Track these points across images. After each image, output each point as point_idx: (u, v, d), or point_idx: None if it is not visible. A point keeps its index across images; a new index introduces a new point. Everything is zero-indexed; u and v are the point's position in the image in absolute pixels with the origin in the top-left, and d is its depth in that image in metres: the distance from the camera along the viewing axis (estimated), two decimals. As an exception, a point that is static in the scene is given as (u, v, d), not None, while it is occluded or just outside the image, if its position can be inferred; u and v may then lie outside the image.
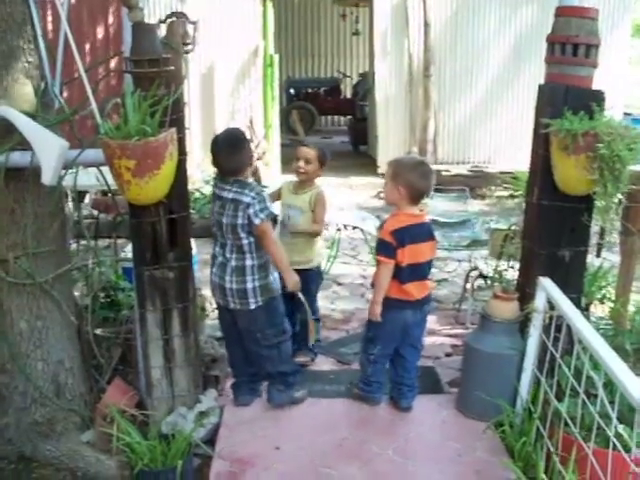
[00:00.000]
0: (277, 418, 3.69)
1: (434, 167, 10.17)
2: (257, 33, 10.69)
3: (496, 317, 3.49)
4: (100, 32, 10.30)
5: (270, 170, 10.89)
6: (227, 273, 3.59)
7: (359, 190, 10.88)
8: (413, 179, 3.48)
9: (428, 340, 4.91)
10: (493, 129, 10.78)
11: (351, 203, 9.92)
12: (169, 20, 3.67)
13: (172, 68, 3.29)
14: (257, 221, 3.49)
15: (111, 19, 10.45)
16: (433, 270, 6.45)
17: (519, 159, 9.89)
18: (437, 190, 7.73)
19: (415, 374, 3.83)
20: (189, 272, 3.57)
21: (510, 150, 10.45)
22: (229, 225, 3.53)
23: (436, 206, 7.50)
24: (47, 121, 3.39)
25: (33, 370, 3.63)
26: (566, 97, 3.28)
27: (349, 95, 17.04)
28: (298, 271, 3.79)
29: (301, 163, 4.24)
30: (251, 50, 10.75)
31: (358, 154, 13.95)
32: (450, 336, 5.00)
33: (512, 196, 4.79)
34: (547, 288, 3.27)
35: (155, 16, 10.48)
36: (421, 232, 3.55)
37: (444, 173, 10.27)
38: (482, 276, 5.07)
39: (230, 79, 10.77)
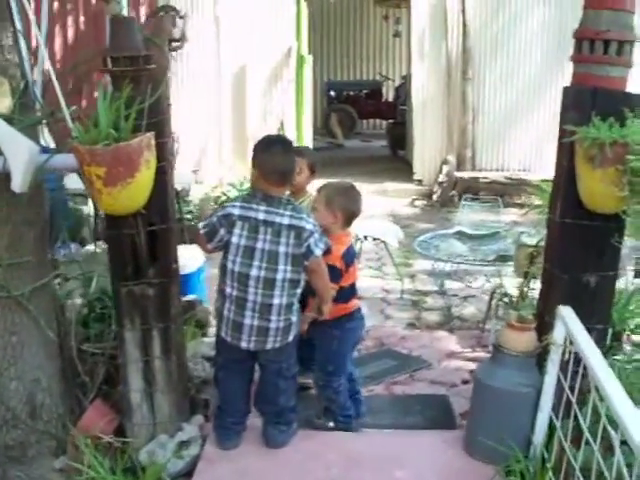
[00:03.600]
0: (262, 453, 3.34)
1: (472, 174, 9.98)
2: (290, 33, 10.40)
3: (510, 349, 3.10)
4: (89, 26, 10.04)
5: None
6: (272, 312, 3.13)
7: (393, 197, 10.50)
8: (347, 203, 3.49)
9: (445, 364, 4.55)
10: (533, 135, 10.27)
11: (384, 211, 9.56)
12: (159, 14, 3.36)
13: (153, 66, 2.99)
14: (318, 252, 3.14)
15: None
16: (460, 286, 6.20)
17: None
18: (469, 199, 7.31)
19: None
20: (171, 289, 3.26)
21: (550, 157, 9.92)
22: (289, 256, 3.11)
23: (466, 216, 7.07)
24: (21, 123, 3.12)
25: (5, 389, 3.35)
26: (594, 101, 2.88)
27: (391, 98, 16.69)
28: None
29: None
30: (284, 51, 10.44)
31: (396, 159, 13.58)
32: (470, 360, 4.60)
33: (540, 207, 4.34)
34: (566, 319, 2.88)
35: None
36: (354, 251, 3.64)
37: (481, 180, 9.86)
38: (507, 295, 4.67)
39: (262, 80, 10.49)
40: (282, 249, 3.09)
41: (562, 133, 3.03)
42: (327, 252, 3.27)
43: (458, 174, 10.00)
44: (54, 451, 3.46)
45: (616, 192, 2.74)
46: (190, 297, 4.51)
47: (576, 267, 3.07)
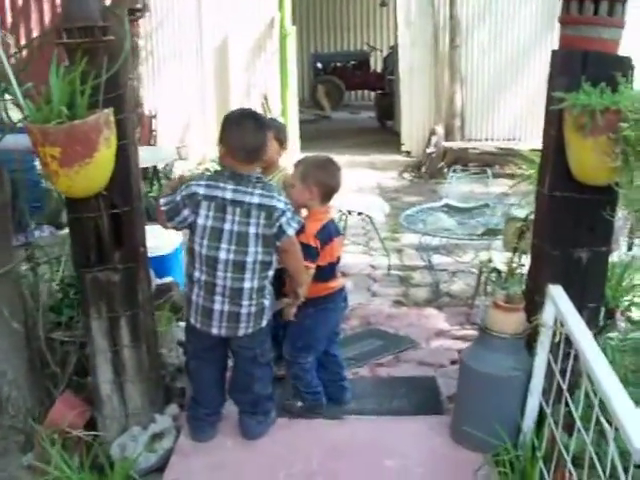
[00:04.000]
0: (239, 444, 3.18)
1: (461, 144, 9.77)
2: (273, 4, 10.12)
3: (497, 331, 2.93)
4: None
5: (287, 149, 10.34)
6: (244, 297, 2.94)
7: (382, 169, 10.31)
8: (324, 178, 3.31)
9: (433, 344, 4.39)
10: (523, 102, 10.04)
11: (371, 184, 9.37)
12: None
13: (111, 38, 2.78)
14: (291, 231, 2.96)
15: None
16: (449, 260, 6.03)
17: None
18: (458, 170, 7.12)
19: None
20: (139, 274, 3.07)
21: (541, 125, 9.74)
22: (260, 236, 2.91)
23: (455, 188, 6.88)
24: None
25: (-32, 384, 3.19)
26: (584, 65, 2.68)
27: (379, 69, 16.42)
28: (279, 270, 3.26)
29: None
30: (267, 22, 10.18)
31: (384, 130, 13.36)
32: (459, 338, 4.45)
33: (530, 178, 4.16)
34: (556, 298, 2.71)
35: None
36: (333, 229, 3.42)
37: (471, 151, 9.65)
38: (496, 270, 4.50)
39: (245, 53, 10.25)
40: (252, 230, 2.90)
41: (550, 100, 2.85)
42: (300, 230, 3.11)
43: (447, 145, 9.77)
44: (22, 446, 3.29)
45: (608, 162, 2.56)
46: (166, 280, 4.33)
47: (567, 242, 2.90)
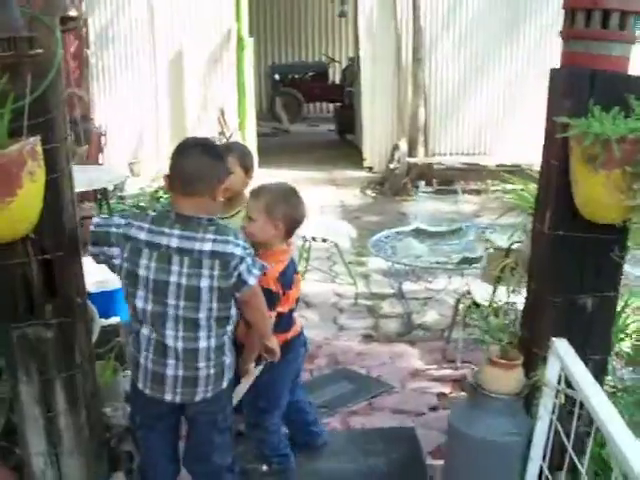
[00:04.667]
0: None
1: (425, 160, 9.44)
2: (230, 15, 9.72)
3: (492, 391, 2.55)
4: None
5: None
6: (200, 359, 2.49)
7: (343, 186, 9.93)
8: (291, 211, 2.92)
9: (409, 386, 4.01)
10: (490, 117, 9.78)
11: (334, 202, 8.99)
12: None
13: (39, 52, 2.34)
14: (252, 280, 2.48)
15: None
16: (418, 288, 5.67)
17: (519, 151, 9.10)
18: (423, 191, 6.80)
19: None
20: (75, 329, 2.61)
21: (509, 140, 9.50)
22: (215, 290, 2.44)
23: (422, 206, 6.54)
24: None
25: None
26: (592, 86, 2.33)
27: (337, 81, 16.10)
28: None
29: None
30: (224, 33, 9.78)
31: (344, 144, 12.99)
32: (436, 379, 4.08)
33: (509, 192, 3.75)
34: (562, 355, 2.34)
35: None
36: (293, 269, 3.02)
37: (436, 166, 9.34)
38: (476, 304, 4.15)
39: (201, 66, 9.83)
40: (205, 283, 2.43)
41: (551, 126, 2.48)
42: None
43: (410, 160, 9.44)
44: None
45: (623, 200, 2.21)
46: (112, 320, 3.87)
47: (570, 287, 2.54)
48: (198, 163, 2.46)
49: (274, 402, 3.03)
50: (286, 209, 2.90)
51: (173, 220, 2.47)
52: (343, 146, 12.87)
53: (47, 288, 2.53)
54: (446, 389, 3.93)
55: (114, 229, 2.48)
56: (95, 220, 2.53)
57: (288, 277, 2.90)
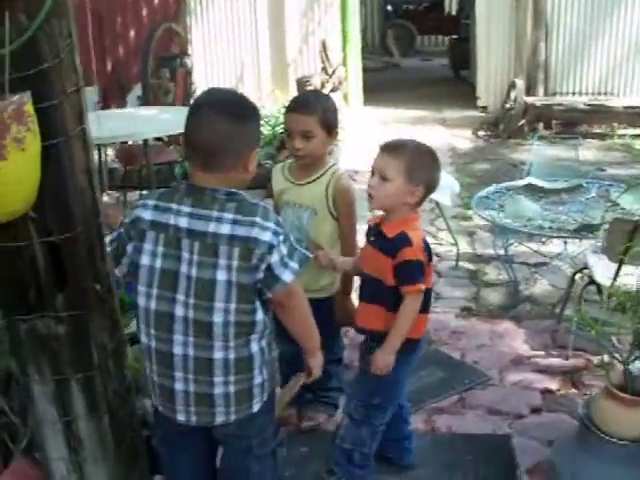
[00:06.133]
0: None
1: (544, 100, 8.54)
2: (334, -62, 9.05)
3: (610, 433, 1.95)
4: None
5: (349, 104, 9.35)
6: (215, 372, 2.00)
7: (454, 127, 9.19)
8: (434, 177, 2.50)
9: (509, 378, 3.43)
10: (622, 54, 8.71)
11: (443, 145, 8.26)
12: None
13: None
14: (288, 276, 1.96)
15: None
16: (530, 249, 4.98)
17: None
18: (538, 136, 6.02)
19: None
20: (90, 325, 2.18)
21: (637, 78, 8.47)
22: (234, 285, 1.92)
23: (538, 153, 5.75)
24: None
25: None
26: None
27: (454, 12, 15.12)
28: (311, 301, 2.30)
29: (297, 141, 2.71)
30: (327, -40, 9.14)
31: (458, 80, 12.13)
32: (542, 371, 3.46)
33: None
34: None
35: None
36: None
37: (555, 107, 8.43)
38: (594, 282, 3.49)
39: (302, -4, 9.24)
40: (221, 275, 1.91)
41: None
42: (404, 243, 2.32)
43: (528, 100, 8.55)
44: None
45: None
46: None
47: None
48: (221, 129, 1.92)
49: (391, 399, 2.59)
50: (428, 174, 2.47)
51: (183, 192, 1.97)
52: (456, 83, 12.02)
53: (57, 275, 2.10)
54: (553, 384, 3.31)
55: (122, 228, 2.03)
56: (107, 239, 2.06)
57: (428, 246, 2.49)
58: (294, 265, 1.97)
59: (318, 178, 2.77)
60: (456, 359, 3.61)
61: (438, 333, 3.89)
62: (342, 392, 3.10)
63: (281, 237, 1.94)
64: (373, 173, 2.45)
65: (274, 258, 1.92)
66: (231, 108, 1.97)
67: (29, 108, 1.80)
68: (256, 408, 2.08)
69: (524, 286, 4.46)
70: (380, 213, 2.56)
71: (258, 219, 1.92)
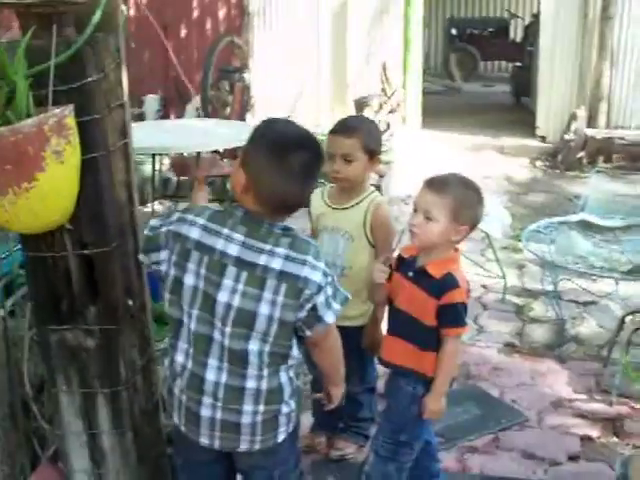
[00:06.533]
0: None
1: (606, 133, 8.35)
2: (399, -38, 9.02)
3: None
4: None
5: (407, 126, 9.30)
6: (244, 401, 1.95)
7: (511, 155, 9.03)
8: (477, 216, 2.40)
9: (548, 420, 3.32)
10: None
11: (499, 173, 8.15)
12: None
13: (81, 1, 1.86)
14: (330, 318, 1.95)
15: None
16: (578, 288, 4.83)
17: None
18: (597, 170, 5.87)
19: None
20: (120, 340, 2.17)
21: None
22: (276, 322, 1.90)
23: (596, 187, 5.60)
24: None
25: None
26: None
27: (518, 39, 14.91)
28: (344, 328, 2.27)
29: (337, 163, 2.68)
30: (392, -16, 9.11)
31: (518, 108, 11.92)
32: (583, 416, 3.34)
33: None
34: None
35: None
36: None
37: (617, 141, 8.22)
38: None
39: (366, 17, 9.21)
40: (264, 309, 1.88)
41: None
42: (453, 286, 2.28)
43: (589, 132, 8.37)
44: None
45: None
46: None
47: None
48: (311, 181, 1.95)
49: (419, 437, 2.51)
50: (473, 212, 2.39)
51: (238, 220, 1.92)
52: (517, 110, 11.82)
53: (90, 288, 2.10)
54: (594, 432, 3.18)
55: (163, 228, 1.97)
56: (151, 222, 2.02)
57: (468, 286, 2.44)
58: (337, 306, 1.95)
59: (357, 204, 2.73)
60: (494, 397, 3.51)
61: (478, 368, 3.79)
62: (373, 422, 3.03)
63: (329, 278, 1.93)
64: (416, 209, 2.37)
65: (320, 299, 1.90)
66: (317, 151, 1.95)
67: (70, 121, 1.81)
68: (281, 438, 2.04)
69: (571, 325, 4.32)
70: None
71: (310, 258, 1.90)
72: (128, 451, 2.31)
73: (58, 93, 1.80)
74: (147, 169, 6.62)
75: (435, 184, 2.36)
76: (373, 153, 2.73)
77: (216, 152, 6.50)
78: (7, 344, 2.60)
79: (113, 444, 2.28)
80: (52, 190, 1.82)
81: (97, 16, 1.81)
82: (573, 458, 3.02)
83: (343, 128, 2.72)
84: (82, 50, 1.81)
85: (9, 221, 1.85)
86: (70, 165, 1.83)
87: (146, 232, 2.01)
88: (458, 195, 2.32)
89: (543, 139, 9.25)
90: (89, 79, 1.86)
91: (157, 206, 6.73)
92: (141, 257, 2.05)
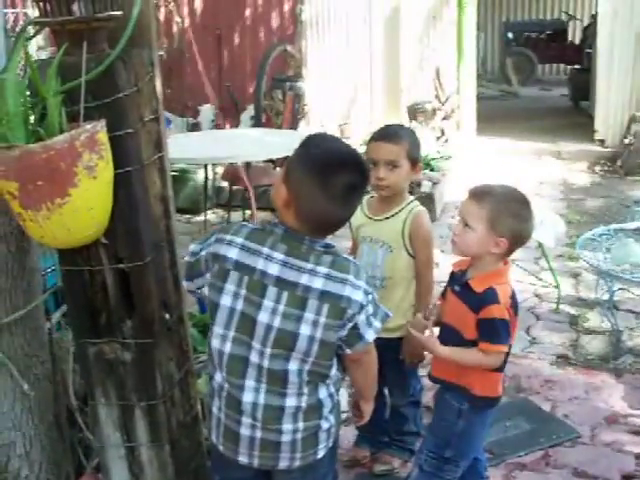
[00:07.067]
0: None
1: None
2: (453, -34, 8.93)
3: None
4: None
5: (461, 132, 9.19)
6: (284, 420, 1.92)
7: (569, 160, 8.85)
8: (520, 227, 2.30)
9: (602, 437, 3.20)
10: None
11: (556, 178, 7.98)
12: None
13: (117, 14, 1.86)
14: (370, 336, 1.93)
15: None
16: (635, 297, 4.66)
17: None
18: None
19: None
20: (155, 355, 2.16)
21: None
22: (317, 342, 1.86)
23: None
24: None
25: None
26: None
27: (577, 41, 14.62)
28: (383, 340, 2.22)
29: (381, 170, 2.64)
30: (446, -12, 9.02)
31: (577, 112, 11.67)
32: (638, 433, 3.21)
33: None
34: None
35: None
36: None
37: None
38: None
39: (418, 22, 9.13)
40: (305, 330, 1.85)
41: None
42: (493, 301, 2.22)
43: (650, 136, 8.15)
44: None
45: None
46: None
47: None
48: (355, 202, 1.93)
49: (464, 454, 2.45)
50: (514, 224, 2.29)
51: (278, 238, 1.89)
52: (575, 114, 11.58)
53: (126, 302, 2.10)
54: (650, 451, 3.07)
55: (203, 252, 1.95)
56: (191, 248, 2.00)
57: (515, 301, 2.35)
58: (378, 324, 1.93)
59: (396, 214, 2.70)
60: (546, 411, 3.40)
61: (530, 381, 3.69)
62: (419, 437, 2.97)
63: (370, 296, 1.89)
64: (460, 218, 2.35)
65: (362, 317, 1.88)
66: (364, 173, 1.92)
67: (102, 136, 1.81)
68: (321, 454, 2.01)
69: (628, 336, 4.17)
70: (464, 258, 2.44)
71: (351, 277, 1.87)
72: (166, 464, 2.30)
73: (91, 109, 1.81)
74: (200, 178, 6.70)
75: (476, 193, 2.33)
76: (415, 161, 2.71)
77: (270, 161, 6.52)
78: (53, 355, 2.64)
79: (151, 457, 2.28)
80: (85, 205, 1.82)
81: (129, 31, 1.81)
82: (627, 477, 2.89)
83: (388, 135, 2.70)
84: (114, 65, 1.82)
85: (44, 236, 1.87)
86: (103, 180, 1.84)
87: (187, 259, 2.00)
88: (497, 205, 2.26)
89: (602, 143, 9.03)
90: (121, 94, 1.86)
91: (210, 215, 6.82)
92: (185, 284, 2.04)
